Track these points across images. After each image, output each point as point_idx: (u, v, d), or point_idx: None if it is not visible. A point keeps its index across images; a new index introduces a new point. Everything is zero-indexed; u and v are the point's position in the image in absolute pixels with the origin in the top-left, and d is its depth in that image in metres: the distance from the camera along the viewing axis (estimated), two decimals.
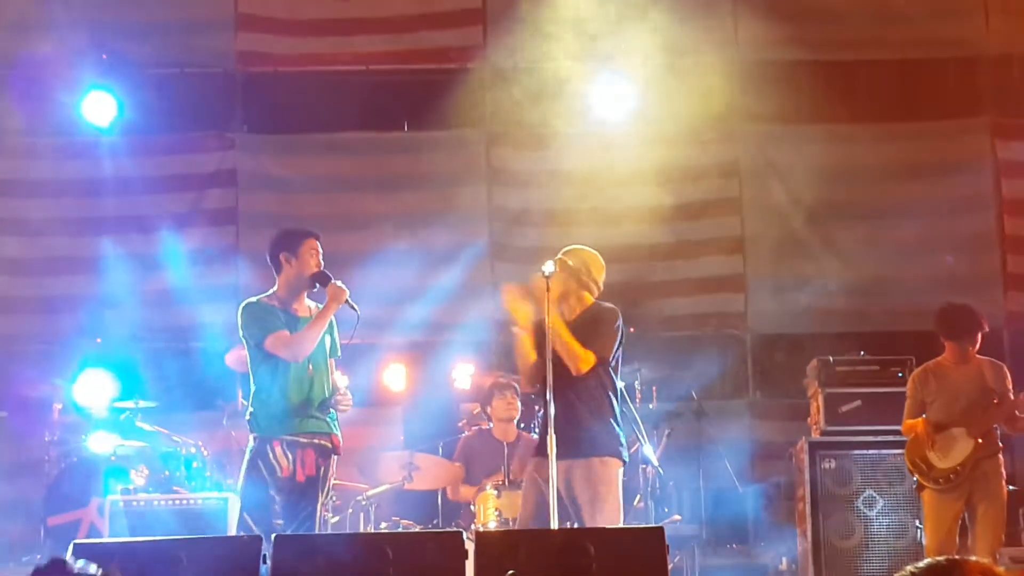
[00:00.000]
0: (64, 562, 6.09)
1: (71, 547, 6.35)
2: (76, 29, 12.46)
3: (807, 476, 10.05)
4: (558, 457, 7.16)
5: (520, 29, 12.87)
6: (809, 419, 10.69)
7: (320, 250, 7.84)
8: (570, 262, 7.77)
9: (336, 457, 7.85)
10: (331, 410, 7.81)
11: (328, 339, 7.88)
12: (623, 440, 7.66)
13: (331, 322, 7.88)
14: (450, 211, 12.88)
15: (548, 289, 7.42)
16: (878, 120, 13.09)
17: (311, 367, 7.74)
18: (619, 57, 12.61)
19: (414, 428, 11.76)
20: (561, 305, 7.72)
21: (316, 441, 7.70)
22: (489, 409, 10.25)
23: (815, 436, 10.33)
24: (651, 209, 12.77)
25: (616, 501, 7.55)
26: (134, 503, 9.47)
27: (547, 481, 7.21)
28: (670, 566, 6.55)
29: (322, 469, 7.71)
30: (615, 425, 7.64)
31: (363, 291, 11.72)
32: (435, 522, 10.06)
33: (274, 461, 7.61)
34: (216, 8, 13.21)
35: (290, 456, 7.63)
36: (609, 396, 7.65)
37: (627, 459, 7.70)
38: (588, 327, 7.62)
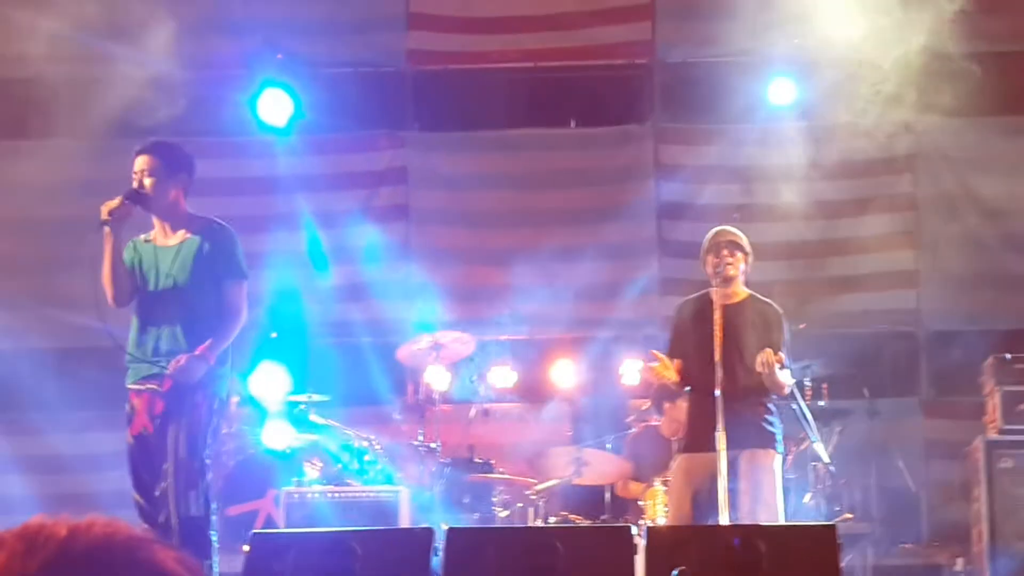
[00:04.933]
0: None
1: (250, 537, 6.53)
2: (252, 29, 12.70)
3: (983, 476, 9.84)
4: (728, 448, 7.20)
5: (688, 24, 12.82)
6: (985, 418, 10.47)
7: (138, 168, 7.42)
8: (745, 246, 7.83)
9: (176, 405, 6.98)
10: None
11: (180, 266, 7.49)
12: (780, 434, 7.69)
13: (198, 246, 7.60)
14: (618, 207, 12.87)
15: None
16: None
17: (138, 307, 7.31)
18: (788, 52, 12.47)
19: (582, 424, 11.77)
20: (728, 286, 7.75)
21: (148, 386, 7.13)
22: (670, 406, 10.08)
23: (992, 435, 10.11)
24: (821, 204, 12.61)
25: (777, 492, 7.56)
26: (308, 495, 9.63)
27: (705, 478, 7.23)
28: (842, 564, 6.49)
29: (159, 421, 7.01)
30: (775, 418, 7.68)
31: (531, 287, 11.89)
32: (603, 517, 10.07)
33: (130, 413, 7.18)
34: (387, 7, 13.33)
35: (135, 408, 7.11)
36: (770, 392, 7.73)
37: (783, 452, 7.74)
38: (764, 332, 7.60)
